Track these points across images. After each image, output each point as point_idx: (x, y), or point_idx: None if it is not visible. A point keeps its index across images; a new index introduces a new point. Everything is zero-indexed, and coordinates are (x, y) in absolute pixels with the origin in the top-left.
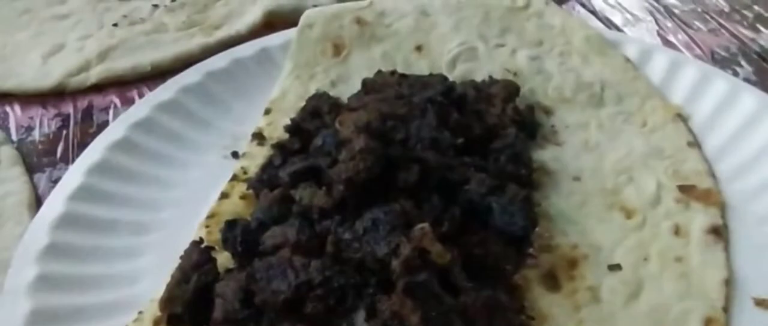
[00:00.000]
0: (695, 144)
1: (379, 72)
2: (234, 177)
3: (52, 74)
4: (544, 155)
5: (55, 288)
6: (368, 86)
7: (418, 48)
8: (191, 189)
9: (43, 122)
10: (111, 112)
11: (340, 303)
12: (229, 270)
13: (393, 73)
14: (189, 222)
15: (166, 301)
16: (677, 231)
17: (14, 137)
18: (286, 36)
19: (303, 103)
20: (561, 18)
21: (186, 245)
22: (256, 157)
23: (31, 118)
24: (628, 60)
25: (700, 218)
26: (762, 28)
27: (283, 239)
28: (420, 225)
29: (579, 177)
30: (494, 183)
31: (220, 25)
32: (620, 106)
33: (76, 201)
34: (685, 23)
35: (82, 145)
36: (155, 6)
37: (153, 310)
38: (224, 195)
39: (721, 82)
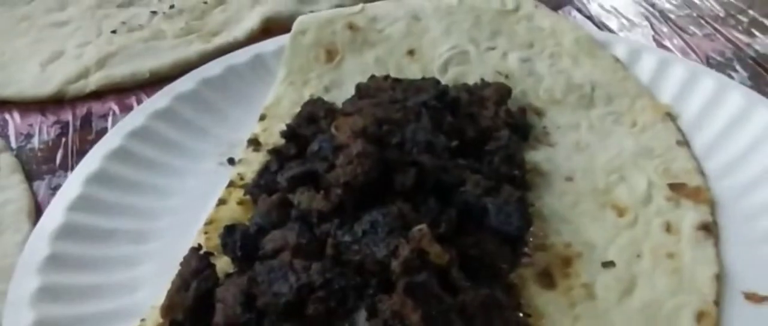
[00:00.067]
0: (684, 142)
1: (373, 77)
2: (231, 184)
3: (51, 81)
4: (537, 156)
5: (57, 298)
6: (362, 91)
7: (411, 52)
8: (189, 196)
9: (42, 129)
10: (110, 119)
11: (342, 305)
12: (228, 275)
13: (386, 77)
14: (187, 229)
15: (167, 308)
16: (668, 228)
17: (13, 144)
18: (279, 42)
19: (298, 109)
20: (551, 20)
21: (185, 252)
22: (253, 163)
23: (31, 125)
24: (617, 60)
25: (690, 215)
26: (757, 33)
27: (283, 243)
28: (418, 227)
29: (571, 177)
30: (489, 184)
31: (218, 32)
32: (610, 106)
33: (75, 211)
34: (680, 28)
35: (82, 152)
36: (154, 13)
37: (154, 317)
38: (222, 202)
39: (709, 81)
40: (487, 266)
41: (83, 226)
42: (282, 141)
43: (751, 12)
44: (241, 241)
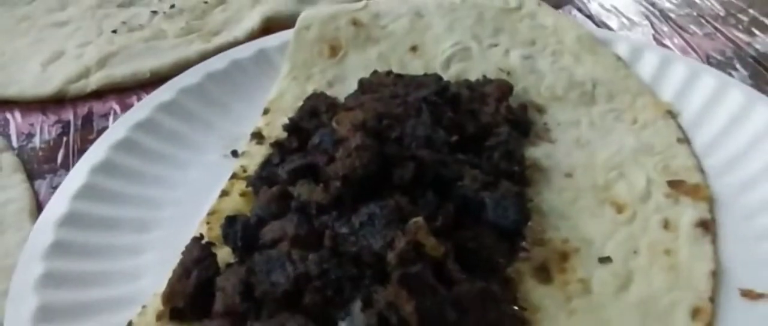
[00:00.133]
0: (685, 140)
1: (375, 72)
2: (234, 176)
3: (52, 81)
4: (537, 152)
5: (61, 284)
6: (364, 86)
7: (413, 48)
8: (192, 187)
9: (43, 129)
10: (111, 118)
11: (338, 295)
12: (229, 265)
13: (389, 73)
14: (190, 219)
15: (169, 295)
16: (666, 225)
17: (15, 144)
18: (283, 37)
19: (300, 103)
20: (553, 18)
21: (187, 242)
22: (255, 155)
23: (32, 124)
24: (619, 58)
25: (688, 212)
26: (757, 32)
27: (281, 233)
28: (414, 219)
29: (571, 173)
30: (487, 179)
31: (219, 32)
32: (611, 103)
33: (80, 200)
34: (680, 27)
35: (83, 152)
36: (154, 13)
37: (156, 304)
38: (224, 193)
39: (710, 79)
40: (483, 260)
41: (87, 215)
42: (284, 134)
43: (751, 11)
44: (241, 232)
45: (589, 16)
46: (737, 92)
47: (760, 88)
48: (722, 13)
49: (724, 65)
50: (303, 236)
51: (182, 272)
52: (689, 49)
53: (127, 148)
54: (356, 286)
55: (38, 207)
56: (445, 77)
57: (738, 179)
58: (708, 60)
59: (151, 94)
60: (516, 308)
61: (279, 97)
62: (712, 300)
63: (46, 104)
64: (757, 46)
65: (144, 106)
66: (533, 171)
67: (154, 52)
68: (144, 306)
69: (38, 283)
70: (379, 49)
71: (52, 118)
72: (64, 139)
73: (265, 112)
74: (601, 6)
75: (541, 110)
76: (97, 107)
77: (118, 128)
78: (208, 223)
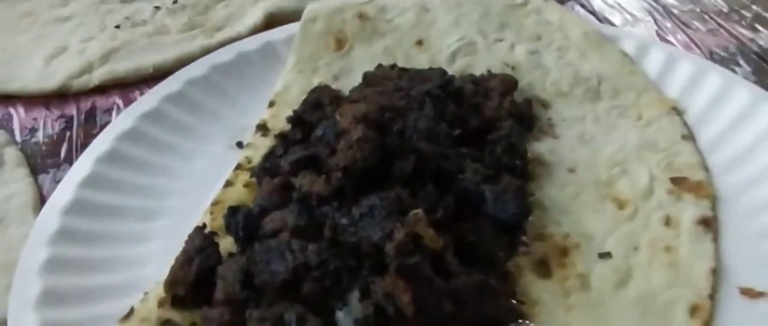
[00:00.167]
0: (689, 137)
1: (380, 66)
2: (238, 167)
3: (55, 76)
4: (541, 147)
5: (65, 270)
6: (369, 79)
7: (419, 43)
8: (197, 177)
9: (46, 124)
10: (114, 113)
11: (336, 285)
12: (231, 255)
13: (393, 66)
14: (194, 209)
15: (170, 283)
16: (668, 221)
17: (18, 138)
18: (289, 30)
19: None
20: (559, 14)
21: (191, 231)
22: (260, 147)
23: (35, 119)
24: (625, 55)
25: (690, 209)
26: (761, 28)
27: (282, 223)
28: (414, 212)
29: (574, 169)
30: (488, 172)
31: (222, 27)
32: (616, 99)
33: (86, 188)
34: (684, 23)
35: (86, 146)
36: (157, 8)
37: (158, 291)
38: (229, 184)
39: (716, 76)
40: (483, 253)
41: (93, 202)
42: (289, 126)
43: (754, 7)
44: (243, 222)
45: (593, 12)
46: (743, 90)
47: (763, 83)
48: (725, 9)
49: (727, 61)
50: (303, 226)
51: (184, 260)
52: (692, 45)
53: (134, 138)
54: (354, 277)
55: (42, 201)
56: (450, 71)
57: (742, 177)
58: (711, 56)
59: (158, 84)
60: (514, 302)
61: (285, 90)
62: (712, 297)
63: (50, 99)
64: (761, 42)
65: (151, 97)
66: (536, 165)
67: (157, 48)
68: (146, 293)
69: (42, 268)
70: (385, 42)
71: (55, 112)
72: (67, 133)
73: (271, 104)
74: (605, 2)
75: (545, 105)
76: (100, 102)
77: (124, 118)
78: (211, 213)
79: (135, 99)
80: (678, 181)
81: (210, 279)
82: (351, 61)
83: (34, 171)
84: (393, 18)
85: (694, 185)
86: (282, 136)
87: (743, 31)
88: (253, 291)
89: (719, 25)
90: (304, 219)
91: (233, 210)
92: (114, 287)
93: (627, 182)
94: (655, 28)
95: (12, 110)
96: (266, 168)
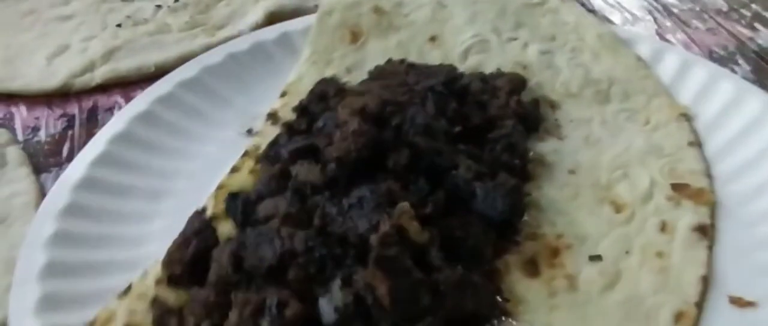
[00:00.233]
0: (696, 144)
1: (389, 60)
2: (246, 153)
3: (57, 75)
4: (545, 147)
5: (71, 244)
6: (376, 73)
7: (433, 38)
8: (206, 162)
9: (48, 122)
10: (116, 111)
11: (320, 272)
12: (230, 239)
13: (402, 61)
14: (201, 192)
15: (167, 262)
16: (663, 227)
17: (20, 137)
18: (306, 21)
19: None
20: (576, 15)
21: None
22: (269, 135)
23: (37, 118)
24: (639, 58)
25: (688, 216)
26: (760, 27)
27: (274, 210)
28: (400, 204)
29: (575, 170)
30: (481, 169)
31: (223, 26)
32: (626, 103)
33: (97, 166)
34: (683, 22)
35: None
36: (158, 7)
37: (156, 270)
38: (235, 169)
39: (729, 85)
40: (469, 248)
41: (103, 181)
42: (296, 116)
43: (753, 6)
44: (241, 207)
45: (592, 11)
46: (755, 100)
47: (762, 82)
48: (725, 8)
49: (726, 60)
50: (293, 214)
51: (182, 241)
52: (692, 44)
53: (147, 121)
54: (339, 265)
55: None
56: (462, 68)
57: (746, 186)
58: (710, 55)
59: (174, 71)
60: (499, 299)
61: (297, 81)
62: (699, 305)
63: (52, 98)
64: (760, 41)
65: (166, 82)
66: (537, 165)
67: (158, 46)
68: (145, 271)
69: (49, 241)
70: (399, 37)
71: (58, 111)
72: (70, 132)
73: (283, 94)
74: (605, 1)
75: (554, 106)
76: (102, 101)
77: (139, 101)
78: (215, 197)
79: None
80: (679, 188)
81: (206, 261)
82: (365, 54)
83: (37, 170)
84: (409, 13)
85: (695, 192)
86: (287, 126)
87: (742, 30)
88: (244, 274)
89: (719, 24)
90: (295, 207)
91: (233, 196)
92: (117, 263)
93: (627, 186)
94: (655, 26)
95: (14, 109)
96: (269, 156)
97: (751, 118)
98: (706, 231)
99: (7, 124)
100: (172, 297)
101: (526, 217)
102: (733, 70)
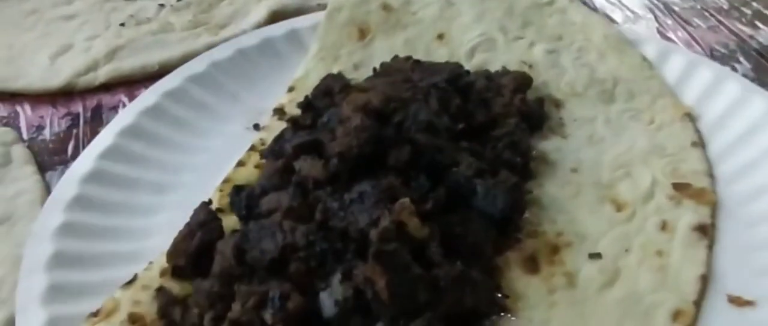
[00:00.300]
0: (699, 144)
1: (395, 57)
2: (252, 148)
3: (61, 74)
4: (548, 146)
5: (78, 235)
6: (381, 70)
7: (440, 36)
8: (212, 156)
9: (53, 121)
10: (120, 110)
11: (321, 266)
12: (234, 232)
13: (408, 58)
14: (207, 185)
15: (172, 253)
16: (664, 226)
17: (25, 136)
18: (315, 18)
19: None
20: (583, 15)
21: None
22: (275, 130)
23: (42, 117)
24: (644, 59)
25: (688, 215)
26: (761, 25)
27: (277, 204)
28: (401, 200)
29: (577, 168)
30: (482, 166)
31: (226, 25)
32: (630, 102)
33: (104, 159)
34: (684, 20)
35: None
36: (161, 6)
37: (162, 261)
38: (241, 163)
39: (734, 86)
40: (468, 245)
41: (110, 173)
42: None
43: (754, 4)
44: (245, 201)
45: (594, 9)
46: (760, 101)
47: (762, 80)
48: (726, 6)
49: (727, 58)
50: (295, 208)
51: (187, 233)
52: (693, 42)
53: (155, 115)
54: (340, 260)
55: None
56: (468, 66)
57: (748, 187)
58: (711, 53)
59: (183, 65)
60: (499, 295)
61: (305, 76)
62: (697, 304)
63: (56, 97)
64: (760, 39)
65: (175, 76)
66: (539, 163)
67: (161, 45)
68: (151, 262)
69: (57, 232)
70: (407, 35)
71: (62, 110)
72: (74, 131)
73: (290, 89)
74: None
75: (558, 105)
76: (106, 100)
77: (148, 95)
78: (221, 191)
79: None
80: (680, 187)
81: (210, 253)
82: (372, 51)
83: (42, 168)
84: (417, 10)
85: (696, 192)
86: (293, 121)
87: (743, 28)
88: (247, 267)
89: (719, 22)
90: (297, 201)
91: (238, 189)
92: (122, 255)
93: (628, 185)
94: (656, 25)
95: (19, 108)
96: (273, 151)
97: (754, 120)
98: (706, 231)
99: (12, 122)
100: (176, 288)
101: (526, 215)
102: (734, 68)
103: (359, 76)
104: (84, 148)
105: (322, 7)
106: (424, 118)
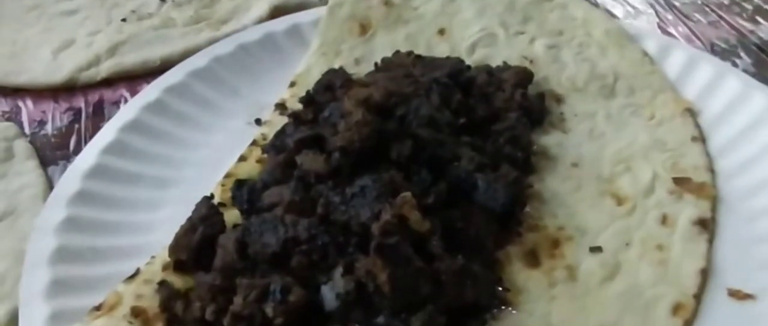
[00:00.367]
0: (700, 139)
1: (397, 52)
2: (254, 142)
3: (63, 69)
4: (549, 141)
5: (81, 230)
6: (383, 65)
7: (441, 31)
8: (214, 150)
9: (55, 116)
10: (122, 105)
11: (323, 260)
12: (236, 226)
13: (409, 53)
14: (208, 180)
15: (174, 248)
16: (664, 220)
17: (27, 131)
18: (316, 13)
19: None
20: (584, 10)
21: None
22: (277, 125)
23: (44, 112)
24: (645, 54)
25: (689, 210)
26: (761, 20)
27: (279, 198)
28: (402, 194)
29: (577, 163)
30: (483, 160)
31: (227, 20)
32: (631, 98)
33: (107, 154)
34: (685, 15)
35: None
36: (163, 1)
37: (164, 256)
38: (242, 158)
39: (734, 80)
40: (470, 239)
41: (113, 168)
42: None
43: None
44: (247, 195)
45: (595, 4)
46: (760, 97)
47: (762, 75)
48: (726, 1)
49: (728, 53)
50: (297, 202)
51: (189, 227)
52: (693, 38)
53: (157, 110)
54: (341, 253)
55: None
56: (469, 62)
57: (748, 181)
58: (712, 48)
59: (185, 60)
60: (500, 288)
61: (306, 71)
62: (698, 297)
63: (58, 92)
64: (761, 34)
65: (177, 71)
66: (540, 158)
67: (163, 41)
68: (153, 257)
69: (59, 227)
70: (408, 30)
71: (64, 105)
72: (76, 126)
73: (292, 84)
74: None
75: (559, 100)
76: (108, 95)
77: (150, 91)
78: (223, 185)
79: None
80: (681, 182)
81: (212, 247)
82: (373, 46)
83: (44, 163)
84: (418, 6)
85: (697, 186)
86: (294, 116)
87: (744, 23)
88: (249, 261)
89: (720, 16)
90: (299, 195)
91: (240, 184)
92: (125, 249)
93: (629, 179)
94: (657, 20)
95: (21, 103)
96: (275, 145)
97: (755, 115)
98: (706, 225)
99: (14, 117)
100: (178, 282)
101: (527, 209)
102: (734, 63)
103: (361, 71)
104: (86, 143)
105: (323, 2)
106: (426, 112)
